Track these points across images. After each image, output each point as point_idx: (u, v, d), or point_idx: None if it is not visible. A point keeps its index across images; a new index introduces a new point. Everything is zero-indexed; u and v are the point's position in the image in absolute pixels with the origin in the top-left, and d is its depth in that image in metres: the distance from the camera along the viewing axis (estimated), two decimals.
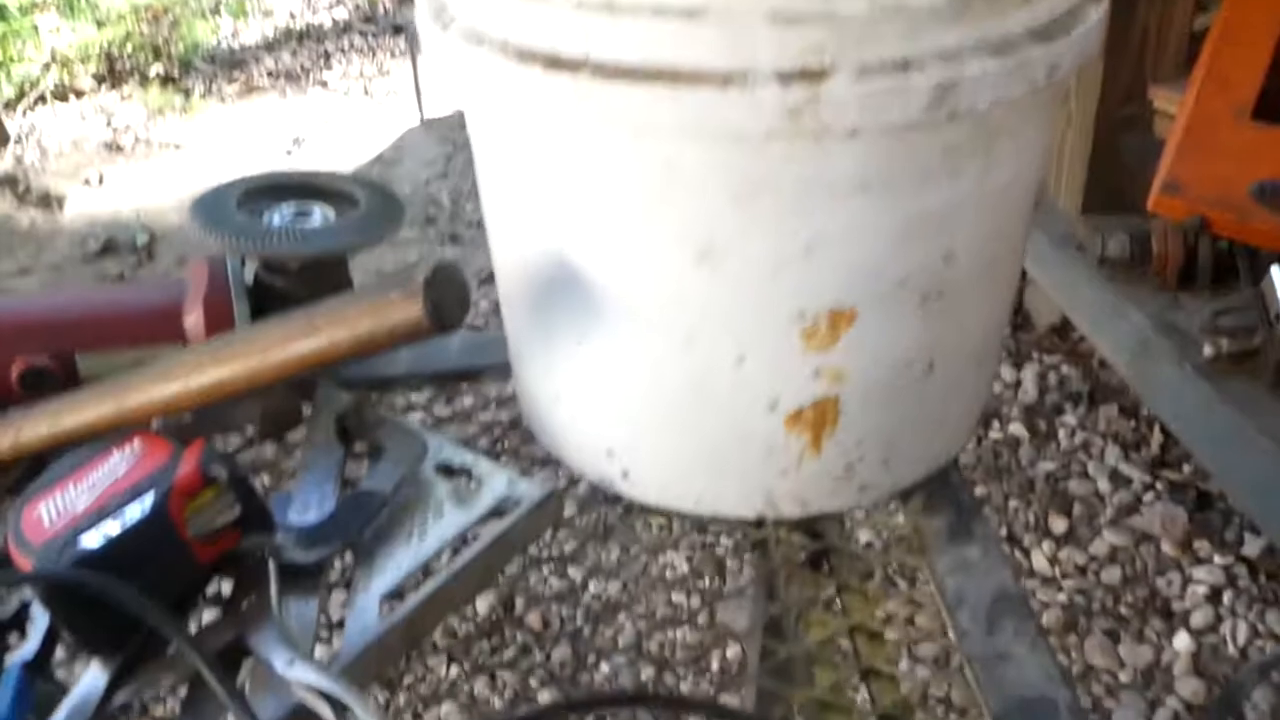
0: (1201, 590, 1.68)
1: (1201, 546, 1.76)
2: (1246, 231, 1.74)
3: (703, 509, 0.68)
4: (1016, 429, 2.02)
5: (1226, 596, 1.67)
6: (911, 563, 0.66)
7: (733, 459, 0.65)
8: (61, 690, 0.59)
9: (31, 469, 0.69)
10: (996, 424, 2.04)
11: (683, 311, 0.59)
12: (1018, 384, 2.12)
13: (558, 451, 0.72)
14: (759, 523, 0.69)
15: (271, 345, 0.58)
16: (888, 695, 0.59)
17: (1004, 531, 1.82)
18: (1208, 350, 1.72)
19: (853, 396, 0.62)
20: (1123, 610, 1.68)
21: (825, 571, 0.67)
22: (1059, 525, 1.83)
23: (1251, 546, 1.71)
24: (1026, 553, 1.79)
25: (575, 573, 1.80)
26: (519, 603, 1.70)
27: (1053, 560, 1.77)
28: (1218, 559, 1.73)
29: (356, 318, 0.57)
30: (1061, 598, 1.71)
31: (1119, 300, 1.89)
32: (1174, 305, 1.84)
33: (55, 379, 0.70)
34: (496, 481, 0.69)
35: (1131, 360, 1.88)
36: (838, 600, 0.65)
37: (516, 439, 0.76)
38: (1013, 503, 1.88)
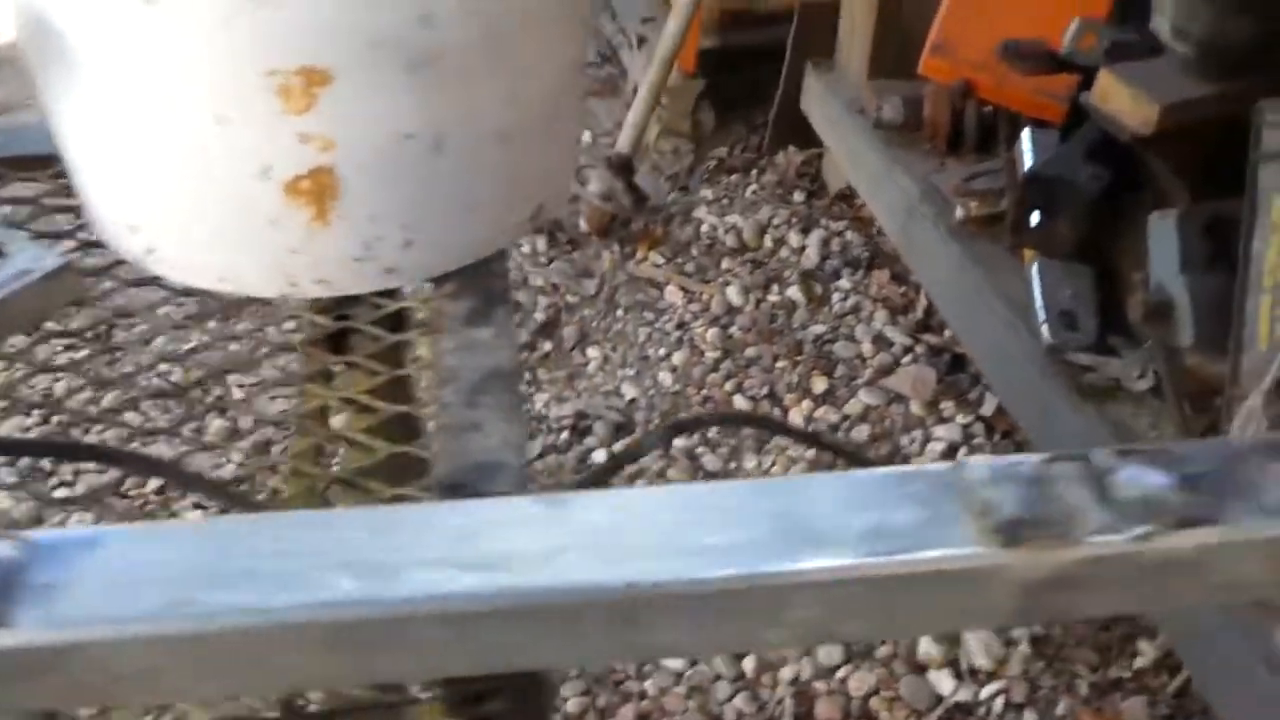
0: (939, 447, 1.75)
1: (947, 406, 1.82)
2: (1005, 95, 1.77)
3: (226, 287, 0.67)
4: (793, 293, 2.05)
5: (961, 452, 1.74)
6: (424, 344, 0.66)
7: (242, 232, 0.63)
8: None
9: None
10: (776, 287, 2.07)
11: (145, 61, 0.57)
12: (802, 249, 2.15)
13: (97, 230, 0.70)
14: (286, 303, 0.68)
15: None
16: (354, 460, 0.59)
17: (766, 390, 1.87)
18: (959, 213, 1.76)
19: (349, 167, 0.61)
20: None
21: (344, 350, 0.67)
22: (819, 385, 1.87)
23: (989, 405, 1.78)
24: (785, 411, 1.84)
25: None
26: None
27: (808, 419, 1.82)
28: (959, 418, 1.80)
29: None
30: (810, 454, 1.76)
31: (891, 164, 1.92)
32: (940, 169, 1.88)
33: None
34: (24, 255, 0.67)
35: (900, 224, 1.92)
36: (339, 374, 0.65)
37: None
38: (780, 363, 1.92)
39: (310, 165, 0.61)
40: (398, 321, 0.68)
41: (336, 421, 0.66)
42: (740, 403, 1.84)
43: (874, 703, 1.44)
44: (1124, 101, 1.39)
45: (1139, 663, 1.46)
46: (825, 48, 2.21)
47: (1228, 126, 1.38)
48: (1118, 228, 1.56)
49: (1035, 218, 1.64)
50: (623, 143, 2.11)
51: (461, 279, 0.70)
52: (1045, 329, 1.54)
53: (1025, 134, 1.71)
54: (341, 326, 0.67)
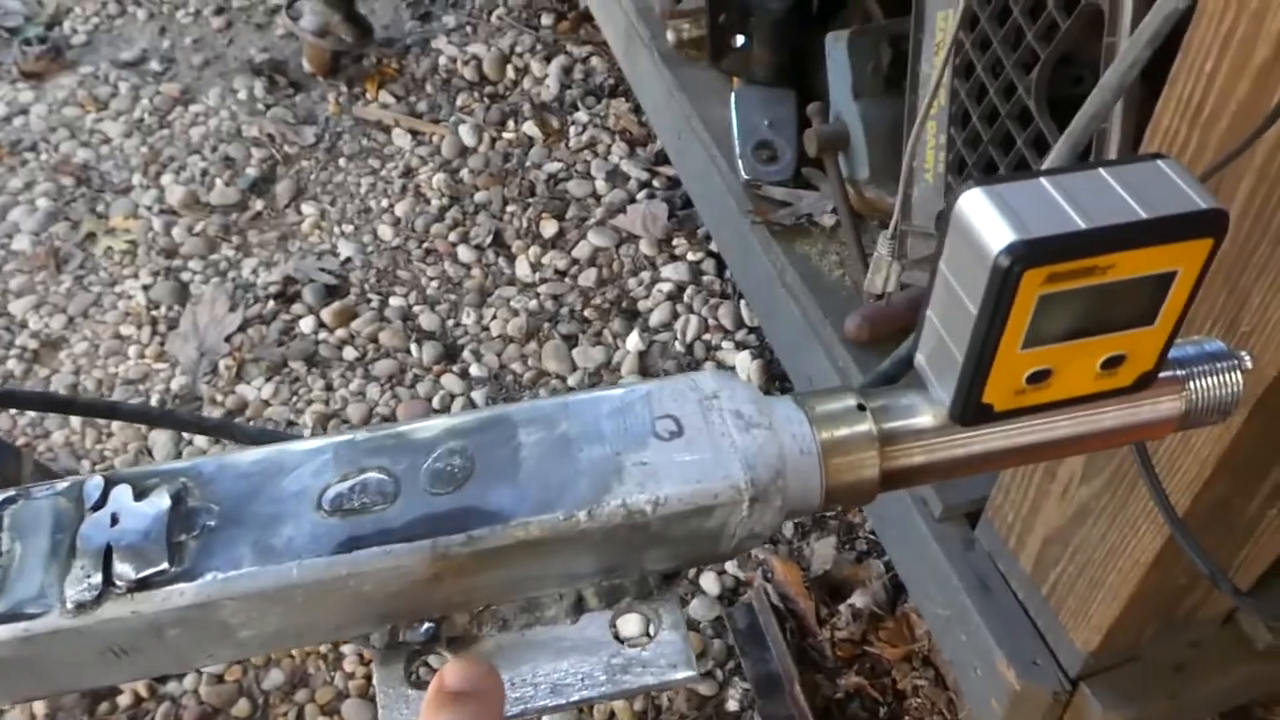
0: (666, 288, 1.67)
1: (679, 243, 1.74)
2: None
3: None
4: (530, 128, 1.92)
5: (687, 293, 1.67)
6: None
7: None
8: None
9: None
10: (512, 123, 1.93)
11: None
12: (544, 79, 2.00)
13: None
14: None
15: None
16: None
17: (492, 238, 1.76)
18: (670, 36, 1.63)
19: None
20: (588, 313, 1.66)
21: None
22: (549, 229, 1.77)
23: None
24: (512, 259, 1.73)
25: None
26: None
27: (535, 265, 1.73)
28: (690, 255, 1.72)
29: None
30: (533, 304, 1.67)
31: None
32: None
33: None
34: None
35: (623, 48, 1.78)
36: None
37: None
38: (510, 207, 1.80)
39: None
40: None
41: None
42: (465, 253, 1.73)
43: None
44: None
45: None
46: None
47: None
48: (821, 49, 1.45)
49: (739, 40, 1.53)
50: None
51: None
52: (741, 163, 1.44)
53: None
54: None
